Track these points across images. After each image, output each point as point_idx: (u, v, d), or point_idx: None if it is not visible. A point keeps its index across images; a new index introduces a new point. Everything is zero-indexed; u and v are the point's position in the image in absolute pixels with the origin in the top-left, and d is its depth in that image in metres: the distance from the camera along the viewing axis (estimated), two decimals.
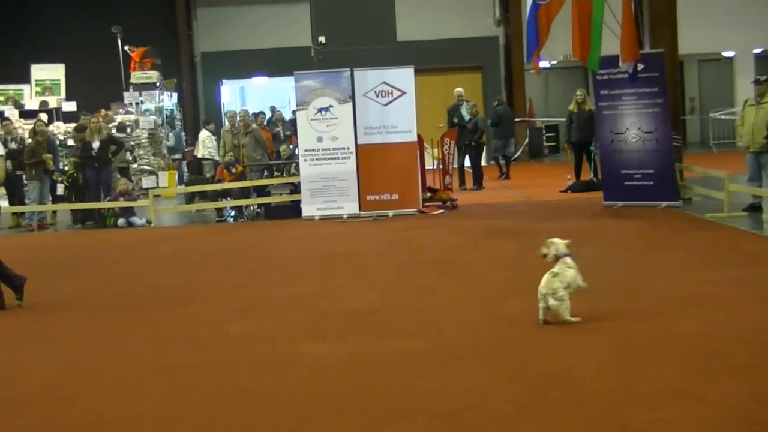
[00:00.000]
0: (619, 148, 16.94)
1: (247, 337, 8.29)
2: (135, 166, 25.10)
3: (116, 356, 7.82)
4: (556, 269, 8.16)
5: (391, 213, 17.70)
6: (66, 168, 20.36)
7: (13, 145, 19.78)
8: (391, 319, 8.77)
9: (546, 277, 8.12)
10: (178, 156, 26.66)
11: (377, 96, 17.79)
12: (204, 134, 23.34)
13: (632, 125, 16.74)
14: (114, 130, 22.25)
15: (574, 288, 8.13)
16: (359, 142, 17.84)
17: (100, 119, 20.92)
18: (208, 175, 21.90)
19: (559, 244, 8.32)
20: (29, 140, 20.04)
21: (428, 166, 19.99)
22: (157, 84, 26.83)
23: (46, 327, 9.38)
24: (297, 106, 18.31)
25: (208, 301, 10.33)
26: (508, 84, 32.22)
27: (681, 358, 6.83)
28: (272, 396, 6.41)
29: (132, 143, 24.95)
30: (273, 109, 26.76)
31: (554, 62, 32.90)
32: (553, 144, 32.98)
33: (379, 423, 5.75)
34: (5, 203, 20.90)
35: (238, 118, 21.45)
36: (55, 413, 6.28)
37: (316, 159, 17.91)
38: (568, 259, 8.25)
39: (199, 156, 23.03)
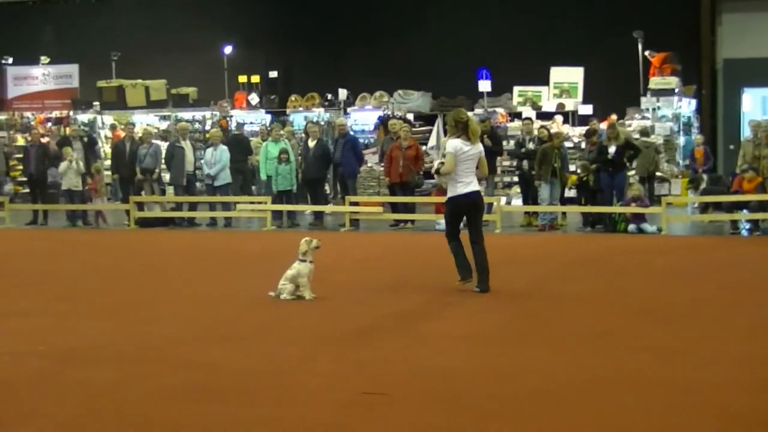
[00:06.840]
0: None
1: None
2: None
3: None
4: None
5: None
6: (578, 171, 20.44)
7: (531, 145, 20.23)
8: None
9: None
10: None
11: None
12: None
13: None
14: (637, 135, 21.98)
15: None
16: None
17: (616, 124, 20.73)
18: None
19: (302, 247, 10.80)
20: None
21: None
22: (676, 90, 26.26)
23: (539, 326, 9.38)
24: None
25: (707, 319, 9.81)
26: None
27: None
28: None
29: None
30: None
31: None
32: None
33: None
34: (519, 201, 21.45)
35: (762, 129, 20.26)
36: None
37: None
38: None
39: None
